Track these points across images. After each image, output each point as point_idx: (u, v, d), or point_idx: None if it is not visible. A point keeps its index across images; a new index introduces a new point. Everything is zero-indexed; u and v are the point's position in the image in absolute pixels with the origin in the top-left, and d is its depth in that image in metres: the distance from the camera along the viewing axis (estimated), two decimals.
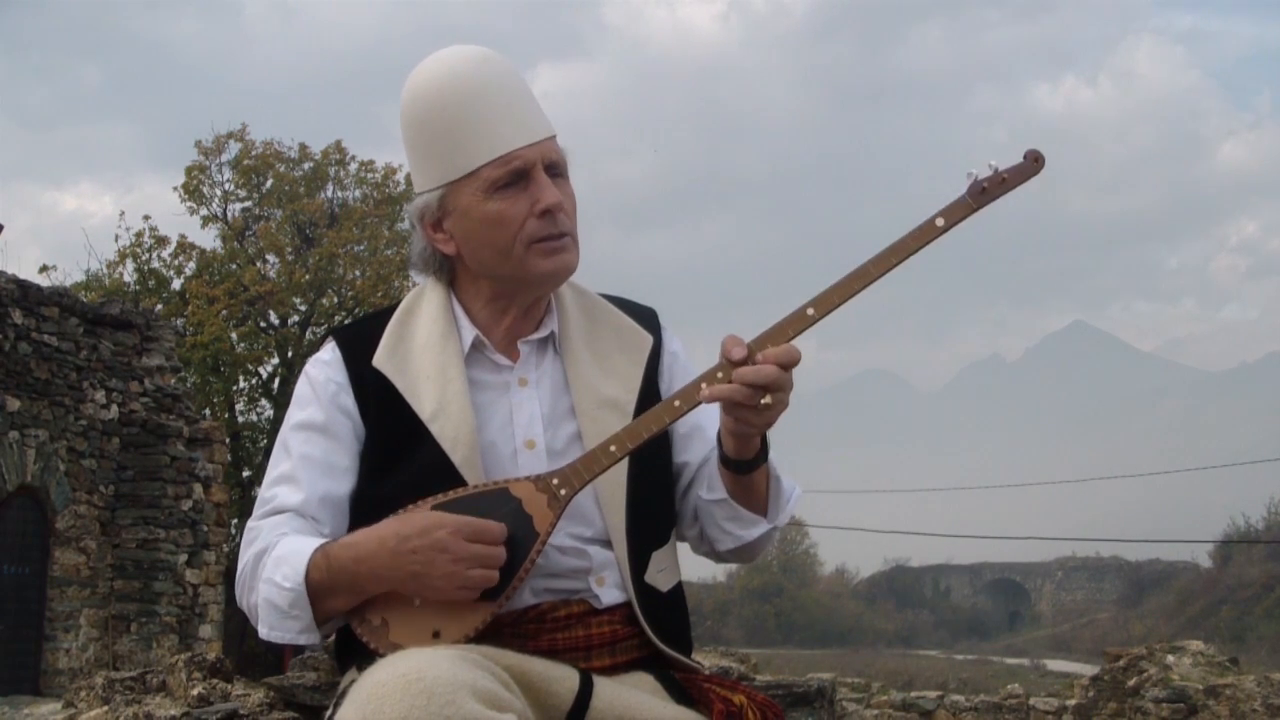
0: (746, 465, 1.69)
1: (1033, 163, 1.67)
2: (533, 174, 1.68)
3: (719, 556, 1.85)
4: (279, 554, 1.61)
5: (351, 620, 1.60)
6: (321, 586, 1.56)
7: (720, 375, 1.60)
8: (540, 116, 1.73)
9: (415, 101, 1.72)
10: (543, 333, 1.79)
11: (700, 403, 1.61)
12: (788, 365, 1.57)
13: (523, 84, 1.74)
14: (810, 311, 1.62)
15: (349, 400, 1.73)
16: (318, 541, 1.60)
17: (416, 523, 1.54)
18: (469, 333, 1.76)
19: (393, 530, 1.55)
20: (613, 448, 1.61)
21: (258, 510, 1.70)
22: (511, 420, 1.72)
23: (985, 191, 1.65)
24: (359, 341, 1.77)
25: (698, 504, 1.81)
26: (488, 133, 1.67)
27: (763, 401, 1.56)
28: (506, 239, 1.68)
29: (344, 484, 1.71)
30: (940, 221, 1.64)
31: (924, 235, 1.63)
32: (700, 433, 1.83)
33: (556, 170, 1.72)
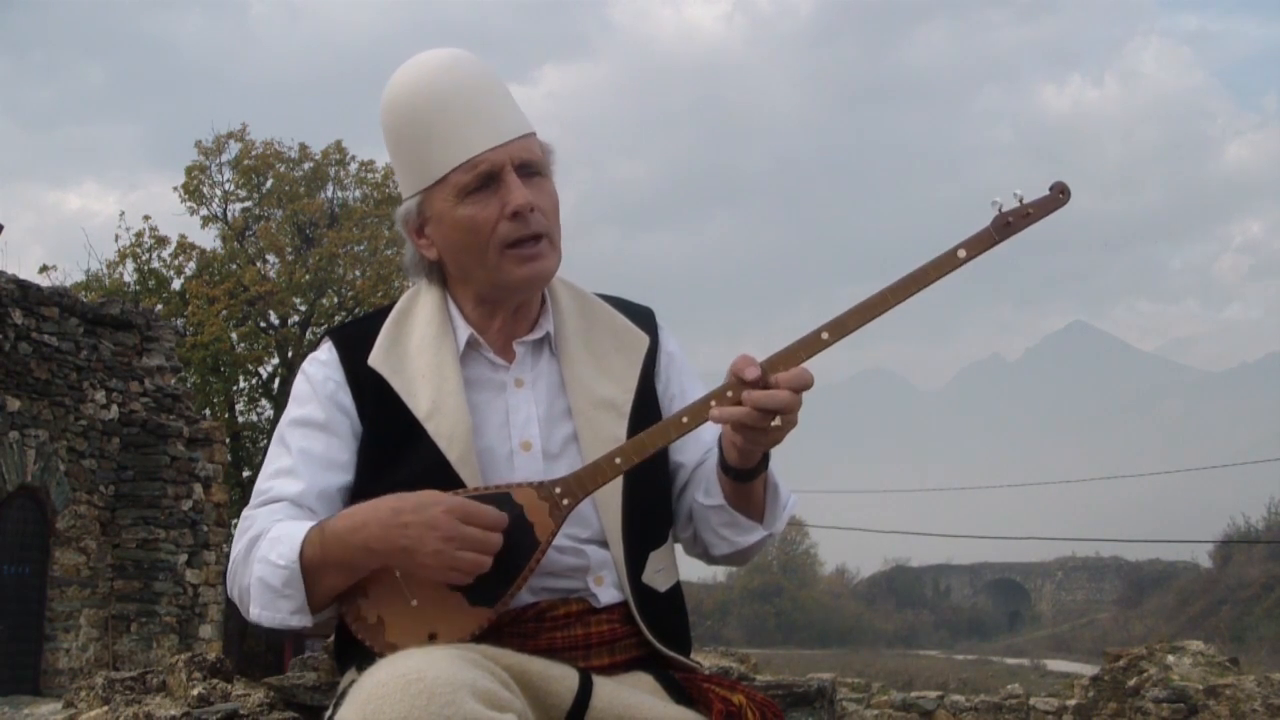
0: (747, 474, 1.69)
1: (1058, 195, 1.65)
2: (502, 176, 1.67)
3: (712, 560, 1.85)
4: (274, 535, 1.60)
5: (346, 616, 1.59)
6: (315, 562, 1.56)
7: (730, 394, 1.59)
8: (511, 116, 1.72)
9: (389, 110, 1.73)
10: (538, 334, 1.79)
11: (708, 421, 1.61)
12: (800, 389, 1.57)
13: (495, 84, 1.73)
14: (825, 336, 1.62)
15: (347, 399, 1.73)
16: (314, 522, 1.60)
17: (413, 498, 1.54)
18: (464, 332, 1.76)
19: (389, 504, 1.54)
20: (617, 460, 1.61)
21: (254, 501, 1.70)
22: (508, 421, 1.72)
23: (1009, 225, 1.64)
24: (355, 341, 1.78)
25: (694, 508, 1.81)
26: (454, 138, 1.67)
27: (773, 424, 1.57)
28: (480, 243, 1.68)
29: (342, 480, 1.71)
30: (962, 253, 1.63)
31: (945, 266, 1.63)
32: (695, 435, 1.83)
33: (531, 169, 1.71)
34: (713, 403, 1.60)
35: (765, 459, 1.69)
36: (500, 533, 1.55)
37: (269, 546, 1.59)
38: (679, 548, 1.89)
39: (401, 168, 1.75)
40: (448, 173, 1.68)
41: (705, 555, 1.85)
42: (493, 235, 1.68)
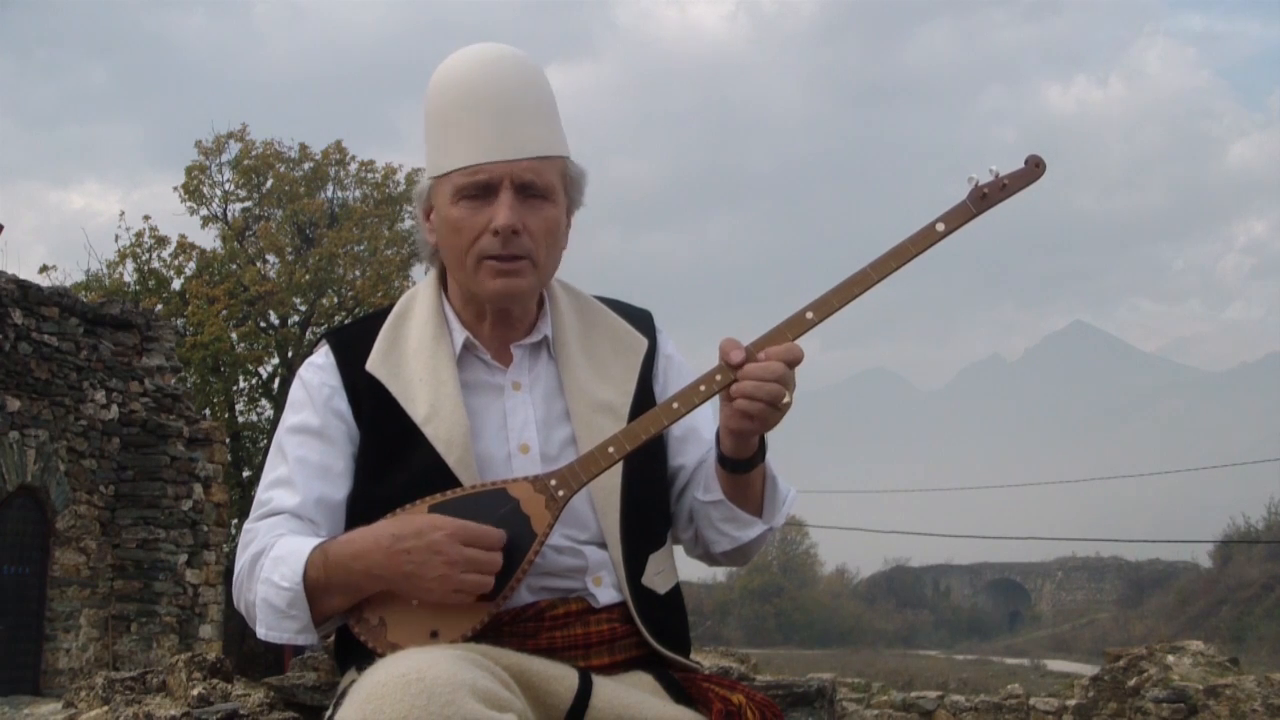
0: (744, 465, 1.69)
1: (1033, 168, 1.67)
2: (498, 191, 1.67)
3: (713, 559, 1.85)
4: (277, 554, 1.61)
5: (349, 619, 1.60)
6: (319, 585, 1.57)
7: (719, 378, 1.61)
8: (535, 133, 1.69)
9: (430, 90, 1.75)
10: (536, 337, 1.79)
11: (698, 405, 1.62)
12: (792, 362, 1.59)
13: (535, 95, 1.71)
14: (809, 315, 1.63)
15: (343, 404, 1.73)
16: (315, 541, 1.61)
17: (413, 524, 1.54)
18: (459, 335, 1.76)
19: (389, 530, 1.55)
20: (611, 449, 1.62)
21: (254, 513, 1.71)
22: (505, 424, 1.72)
23: (986, 197, 1.65)
24: (352, 345, 1.78)
25: (694, 506, 1.81)
26: (467, 139, 1.67)
27: (784, 401, 1.58)
28: (460, 247, 1.70)
29: (340, 487, 1.71)
30: (941, 227, 1.65)
31: (924, 240, 1.64)
32: (695, 435, 1.83)
33: (532, 191, 1.68)
34: (701, 387, 1.62)
35: (762, 451, 1.70)
36: (501, 551, 1.55)
37: (272, 566, 1.60)
38: (681, 550, 1.89)
39: (427, 147, 1.76)
40: (451, 170, 1.69)
41: (707, 554, 1.85)
42: (474, 244, 1.68)
